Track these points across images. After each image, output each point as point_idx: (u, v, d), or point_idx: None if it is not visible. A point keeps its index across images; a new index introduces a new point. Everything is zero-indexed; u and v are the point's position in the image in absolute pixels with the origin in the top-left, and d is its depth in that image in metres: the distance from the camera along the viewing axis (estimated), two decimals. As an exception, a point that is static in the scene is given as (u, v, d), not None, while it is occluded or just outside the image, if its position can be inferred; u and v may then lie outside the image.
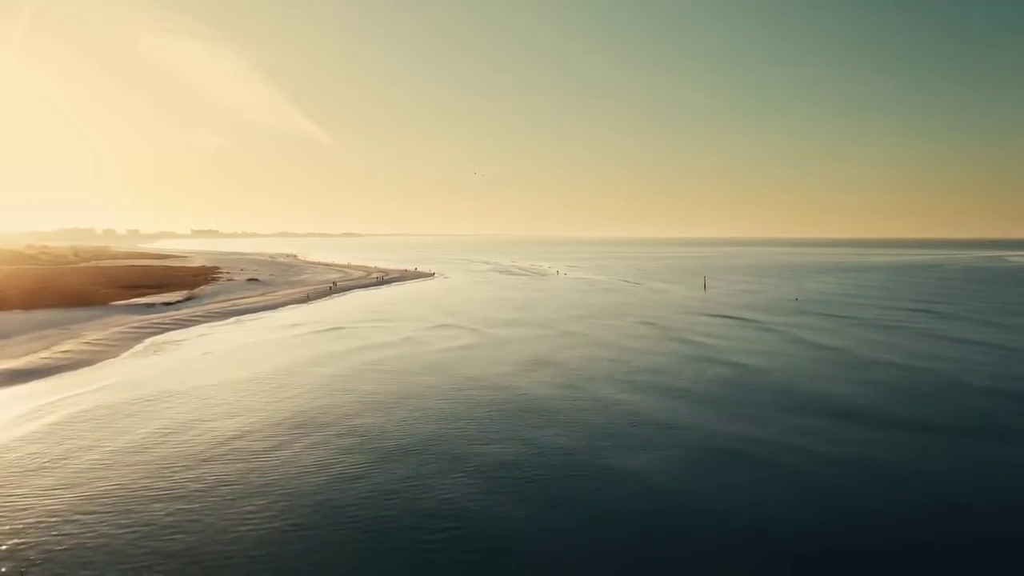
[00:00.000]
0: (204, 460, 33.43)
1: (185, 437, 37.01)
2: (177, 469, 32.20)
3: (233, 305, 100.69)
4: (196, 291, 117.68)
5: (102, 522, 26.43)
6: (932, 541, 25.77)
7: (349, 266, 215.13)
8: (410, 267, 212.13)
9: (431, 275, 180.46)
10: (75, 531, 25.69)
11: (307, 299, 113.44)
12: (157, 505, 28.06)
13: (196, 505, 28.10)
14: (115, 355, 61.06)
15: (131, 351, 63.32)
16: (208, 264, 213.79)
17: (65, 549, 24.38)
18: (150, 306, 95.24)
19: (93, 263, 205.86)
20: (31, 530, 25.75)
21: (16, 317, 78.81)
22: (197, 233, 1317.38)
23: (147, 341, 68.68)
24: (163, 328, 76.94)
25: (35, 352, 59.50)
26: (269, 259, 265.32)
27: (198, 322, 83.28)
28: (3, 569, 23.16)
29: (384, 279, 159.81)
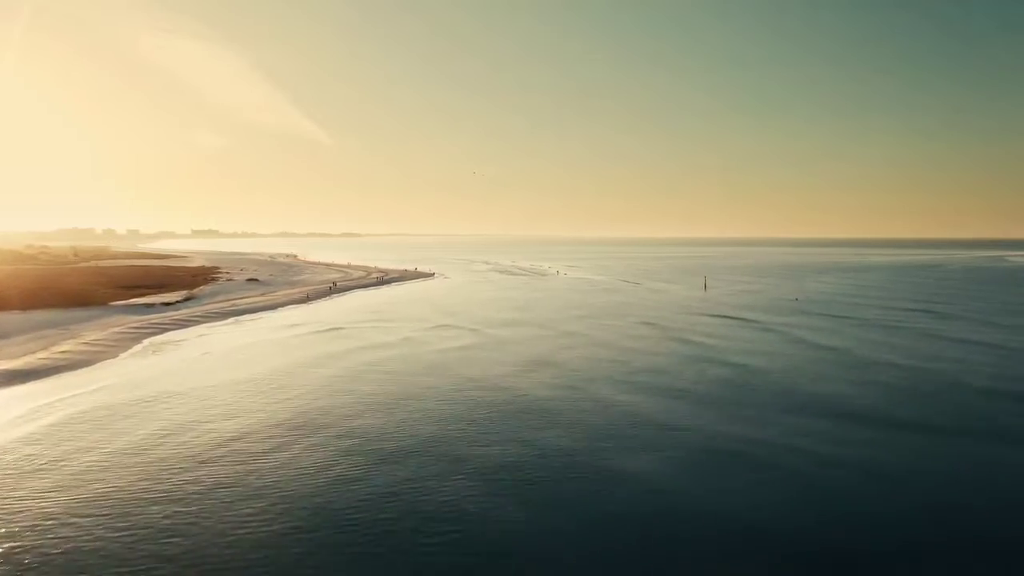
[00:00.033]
0: (202, 462, 33.25)
1: (183, 439, 36.84)
2: (175, 471, 32.03)
3: (232, 305, 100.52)
4: (196, 291, 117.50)
5: (99, 525, 26.26)
6: (933, 542, 25.64)
7: (349, 266, 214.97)
8: (410, 267, 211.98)
9: (431, 275, 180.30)
10: (72, 534, 25.52)
11: (307, 299, 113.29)
12: (155, 508, 27.89)
13: (194, 508, 27.93)
14: (114, 356, 60.88)
15: (130, 351, 63.15)
16: (208, 264, 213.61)
17: (61, 552, 24.20)
18: (149, 306, 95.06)
19: (93, 263, 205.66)
20: (27, 533, 25.57)
21: (15, 317, 78.64)
22: (197, 233, 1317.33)
23: (146, 341, 68.52)
24: (162, 328, 76.77)
25: (33, 353, 59.33)
26: (269, 259, 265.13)
27: (197, 322, 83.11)
28: (-1, 572, 23.00)
29: (384, 279, 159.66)
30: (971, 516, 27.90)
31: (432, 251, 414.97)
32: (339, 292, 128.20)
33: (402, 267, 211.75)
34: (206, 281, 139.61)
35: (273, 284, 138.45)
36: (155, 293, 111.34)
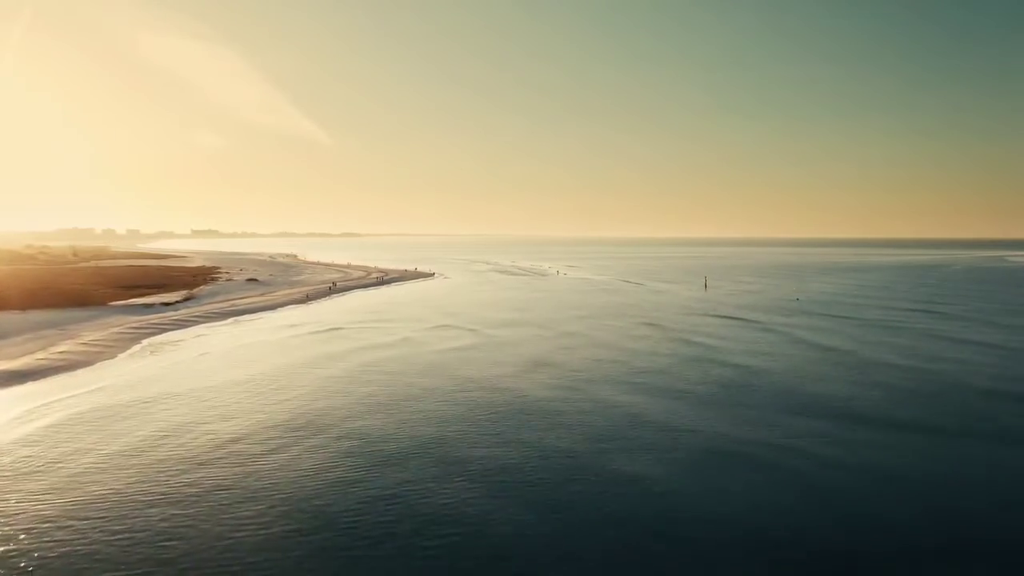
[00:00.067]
0: (200, 464, 32.95)
1: (181, 440, 36.53)
2: (173, 473, 31.73)
3: (232, 305, 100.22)
4: (195, 291, 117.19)
5: (95, 528, 25.96)
6: (934, 544, 25.42)
7: (349, 266, 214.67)
8: (410, 267, 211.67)
9: (431, 275, 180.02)
10: (68, 537, 25.22)
11: (306, 299, 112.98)
12: (152, 510, 27.58)
13: (192, 510, 27.62)
14: (112, 356, 60.58)
15: (128, 352, 62.85)
16: (207, 264, 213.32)
17: (57, 556, 23.90)
18: (148, 306, 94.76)
19: (92, 263, 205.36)
20: (23, 536, 25.27)
21: (13, 318, 78.32)
22: (197, 233, 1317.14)
23: (145, 342, 68.21)
24: (161, 329, 76.46)
25: (31, 353, 59.02)
26: (269, 259, 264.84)
27: (196, 323, 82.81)
28: (-7, 577, 22.70)
29: (384, 279, 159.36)
30: (973, 517, 27.70)
31: (432, 251, 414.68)
32: (339, 292, 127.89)
33: (402, 267, 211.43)
34: (206, 281, 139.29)
35: (273, 284, 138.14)
36: (154, 293, 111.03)
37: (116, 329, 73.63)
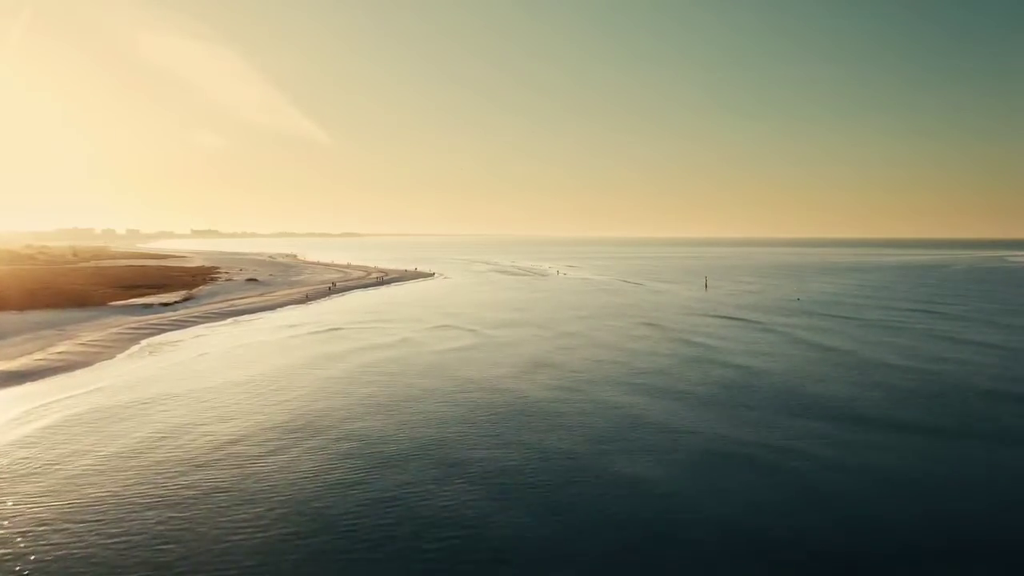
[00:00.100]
0: (198, 466, 32.72)
1: (179, 442, 36.30)
2: (170, 475, 31.50)
3: (231, 306, 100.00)
4: (194, 291, 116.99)
5: (92, 531, 25.73)
6: (935, 545, 25.27)
7: (348, 266, 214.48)
8: (410, 267, 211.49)
9: (431, 275, 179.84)
10: (64, 540, 24.99)
11: (306, 299, 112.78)
12: (149, 513, 27.35)
13: (189, 513, 27.40)
14: (111, 357, 60.36)
15: (127, 352, 62.62)
16: (207, 264, 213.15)
17: (53, 559, 23.67)
18: (147, 307, 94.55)
19: (92, 263, 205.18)
20: (18, 539, 25.03)
21: (12, 318, 78.10)
22: (197, 233, 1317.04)
23: (144, 342, 67.99)
24: (160, 329, 76.25)
25: (30, 354, 58.80)
26: (268, 259, 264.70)
27: (196, 323, 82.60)
28: (-12, 580, 22.47)
29: (384, 279, 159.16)
30: (973, 518, 27.56)
31: (432, 251, 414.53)
32: (338, 292, 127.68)
33: (402, 267, 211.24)
34: (205, 281, 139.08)
35: (272, 284, 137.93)
36: (154, 293, 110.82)
37: (115, 329, 73.41)
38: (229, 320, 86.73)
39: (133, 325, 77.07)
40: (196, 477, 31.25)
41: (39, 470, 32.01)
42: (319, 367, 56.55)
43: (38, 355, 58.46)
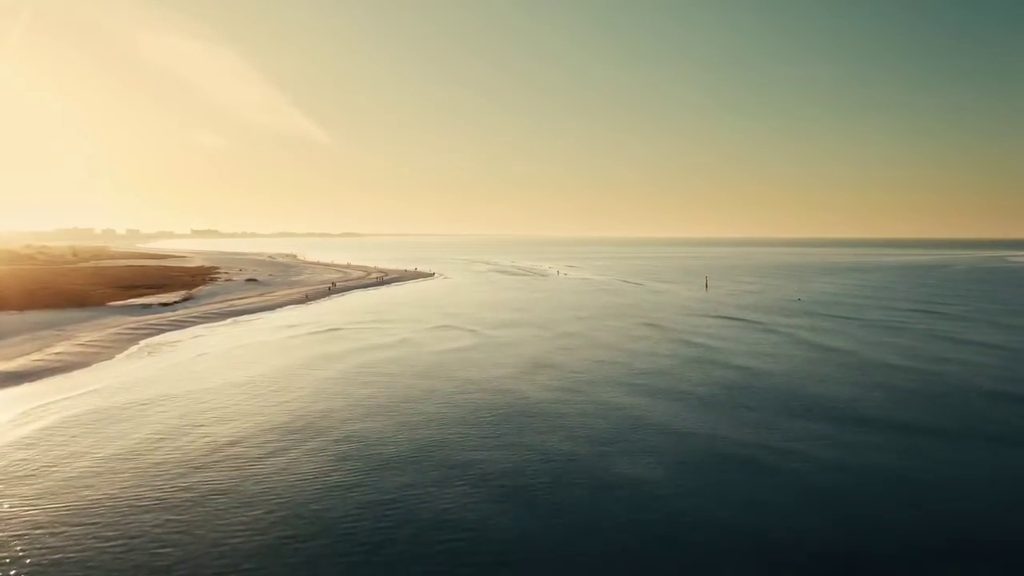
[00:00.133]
0: (196, 468, 32.47)
1: (177, 443, 36.04)
2: (168, 477, 31.25)
3: (231, 306, 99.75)
4: (194, 291, 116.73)
5: (88, 534, 25.48)
6: (938, 546, 25.12)
7: (348, 266, 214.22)
8: (410, 267, 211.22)
9: (431, 275, 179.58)
10: (60, 544, 24.73)
11: (306, 300, 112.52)
12: (147, 515, 27.11)
13: (187, 516, 27.15)
14: (109, 357, 60.11)
15: (126, 353, 62.36)
16: (207, 264, 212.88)
17: (50, 563, 23.42)
18: (147, 307, 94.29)
19: (91, 263, 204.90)
20: (13, 542, 24.78)
21: (10, 318, 77.85)
22: (197, 233, 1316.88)
23: (142, 343, 67.73)
24: (159, 329, 75.98)
25: (28, 354, 58.54)
26: (268, 259, 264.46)
27: (195, 323, 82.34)
28: (-17, 585, 22.23)
29: (384, 279, 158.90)
30: (976, 520, 27.42)
31: (432, 251, 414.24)
32: (338, 292, 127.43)
33: (402, 267, 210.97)
34: (205, 281, 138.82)
35: (272, 284, 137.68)
36: (153, 293, 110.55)
37: (114, 330, 73.16)
38: (228, 320, 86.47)
39: (132, 325, 76.81)
40: (194, 479, 31.00)
41: (36, 472, 31.76)
42: (319, 368, 56.29)
43: (36, 356, 58.20)
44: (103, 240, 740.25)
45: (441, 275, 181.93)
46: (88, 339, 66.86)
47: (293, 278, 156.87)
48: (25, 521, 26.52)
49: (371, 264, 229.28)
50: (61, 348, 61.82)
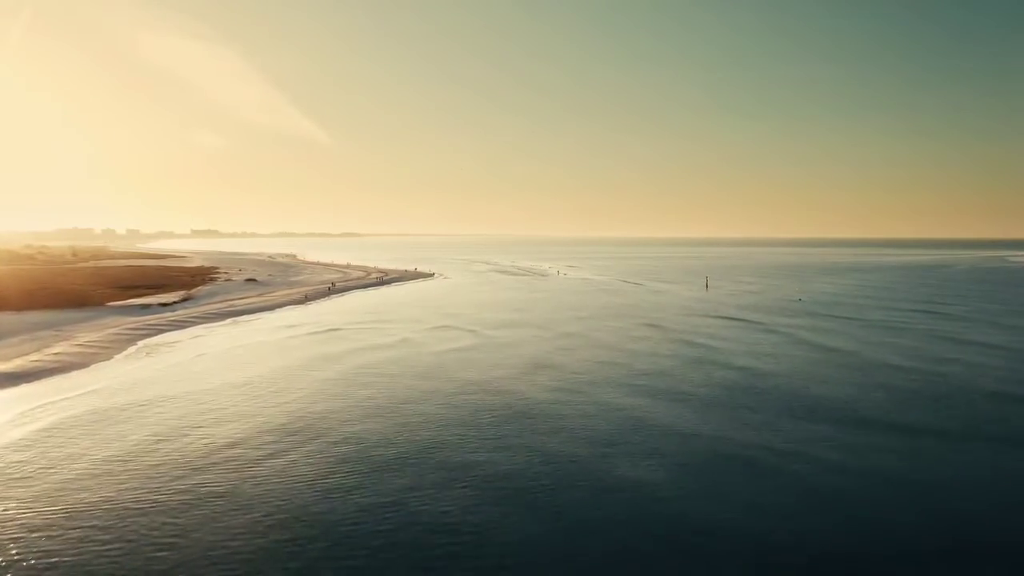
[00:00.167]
0: (194, 470, 32.21)
1: (175, 445, 35.78)
2: (166, 479, 30.99)
3: (230, 306, 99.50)
4: (193, 292, 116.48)
5: (85, 537, 25.22)
6: (940, 548, 24.94)
7: (348, 266, 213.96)
8: (410, 267, 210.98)
9: (431, 275, 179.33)
10: (56, 547, 24.48)
11: (305, 300, 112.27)
12: (143, 519, 26.85)
13: (185, 519, 26.89)
14: (108, 358, 59.85)
15: (124, 353, 62.10)
16: (206, 264, 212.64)
17: (46, 567, 23.16)
18: (146, 307, 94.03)
19: (91, 263, 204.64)
20: (8, 545, 24.52)
21: (9, 318, 77.59)
22: (197, 233, 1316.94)
23: (141, 343, 67.47)
24: (158, 330, 75.72)
25: (26, 355, 58.28)
26: (268, 259, 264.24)
27: (194, 323, 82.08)
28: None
29: (383, 279, 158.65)
30: (978, 521, 27.26)
31: (432, 251, 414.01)
32: (338, 293, 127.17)
33: (401, 267, 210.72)
34: (204, 281, 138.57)
35: (271, 284, 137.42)
36: (153, 294, 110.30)
37: (112, 330, 72.90)
38: (228, 320, 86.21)
39: (131, 326, 76.55)
40: (192, 481, 30.74)
41: (33, 474, 31.50)
42: (318, 368, 56.04)
43: (34, 356, 57.95)
44: (103, 240, 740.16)
45: (441, 275, 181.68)
46: (87, 339, 66.61)
47: (293, 278, 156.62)
48: (21, 524, 26.26)
49: (371, 264, 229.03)
50: (60, 348, 61.57)
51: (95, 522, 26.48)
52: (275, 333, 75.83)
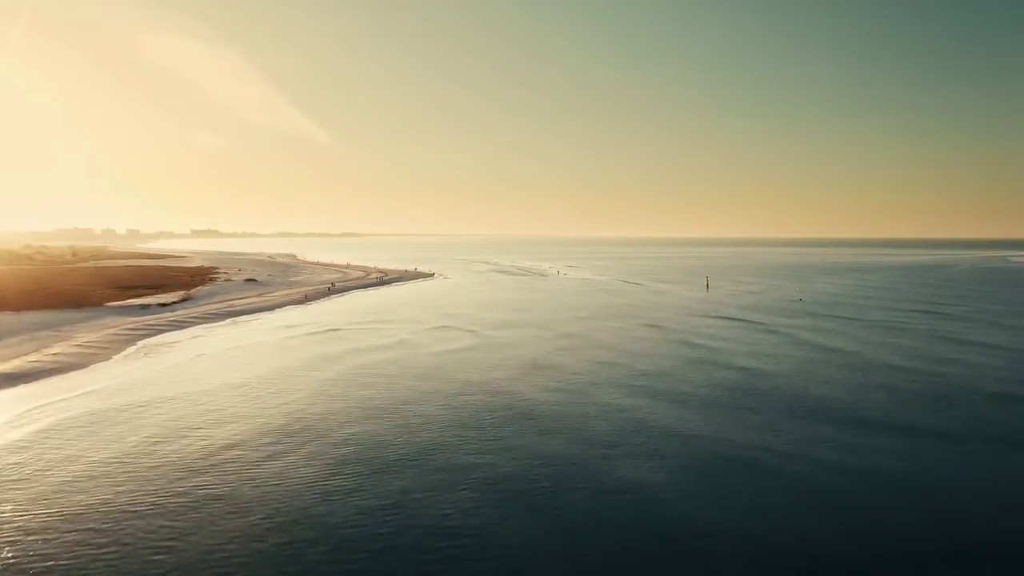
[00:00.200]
0: (193, 471, 31.99)
1: (173, 447, 35.56)
2: (164, 482, 30.77)
3: (230, 306, 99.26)
4: (193, 292, 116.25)
5: (82, 541, 24.99)
6: (942, 550, 24.76)
7: (348, 266, 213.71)
8: (409, 267, 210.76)
9: (431, 276, 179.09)
10: (53, 550, 24.25)
11: (305, 300, 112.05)
12: (141, 522, 26.62)
13: (183, 522, 26.67)
14: (106, 358, 59.62)
15: (123, 354, 61.87)
16: (206, 264, 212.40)
17: (40, 571, 22.93)
18: (145, 307, 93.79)
19: (90, 263, 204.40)
20: (4, 548, 24.29)
21: (7, 319, 77.36)
22: (197, 233, 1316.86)
23: (140, 344, 67.24)
24: (157, 330, 75.50)
25: (24, 355, 58.06)
26: (268, 259, 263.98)
27: (193, 324, 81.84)
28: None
29: (383, 280, 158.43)
30: (980, 523, 27.11)
31: (432, 251, 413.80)
32: (337, 293, 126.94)
33: (401, 267, 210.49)
34: (204, 281, 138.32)
35: (271, 284, 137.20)
36: (152, 294, 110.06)
37: (111, 330, 72.68)
38: (227, 321, 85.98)
39: (130, 326, 76.33)
40: (191, 484, 30.52)
41: (29, 476, 31.28)
42: (317, 369, 55.82)
43: (32, 356, 57.73)
44: (103, 240, 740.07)
45: (441, 275, 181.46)
46: (85, 340, 66.38)
47: (292, 278, 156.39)
48: (18, 526, 26.04)
49: (371, 264, 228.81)
50: (58, 349, 61.35)
51: (92, 525, 26.26)
52: (274, 333, 75.61)
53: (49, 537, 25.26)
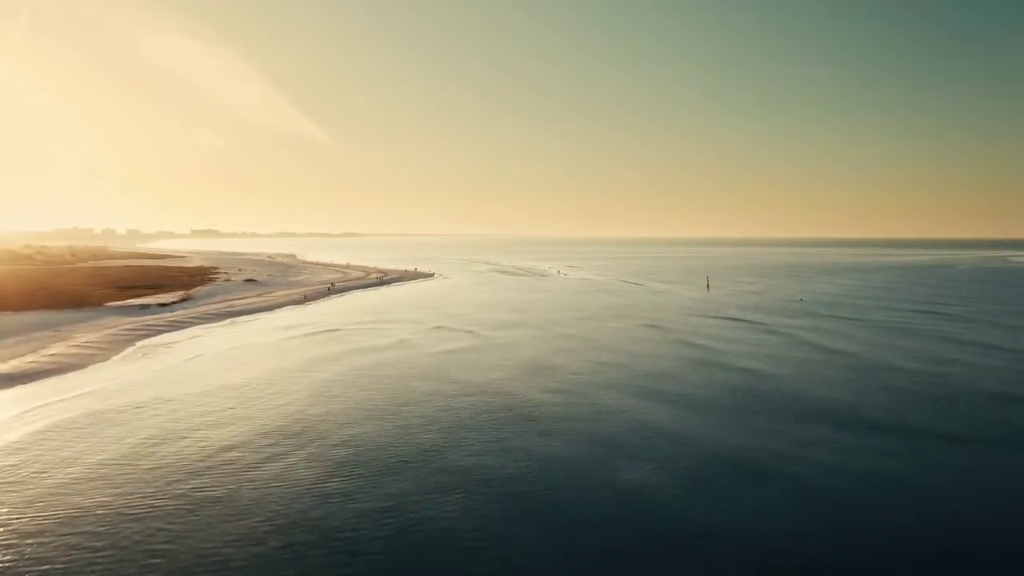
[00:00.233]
0: (191, 474, 31.83)
1: (171, 449, 35.40)
2: (162, 484, 30.61)
3: (229, 306, 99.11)
4: (192, 292, 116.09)
5: (78, 544, 24.83)
6: (943, 551, 24.63)
7: (348, 266, 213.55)
8: (409, 267, 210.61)
9: (431, 276, 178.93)
10: (49, 554, 24.09)
11: (304, 300, 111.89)
12: (138, 524, 26.47)
13: (180, 524, 26.51)
14: (105, 359, 59.46)
15: (122, 354, 61.71)
16: (206, 264, 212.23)
17: (38, 574, 22.76)
18: (145, 307, 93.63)
19: (90, 263, 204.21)
20: (1, 551, 24.12)
21: (6, 319, 77.19)
22: (197, 233, 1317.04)
23: (139, 344, 67.07)
24: (157, 330, 75.33)
25: (22, 356, 57.89)
26: (268, 259, 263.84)
27: (192, 324, 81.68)
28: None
29: (383, 280, 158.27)
30: (981, 524, 27.00)
31: (432, 251, 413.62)
32: (337, 293, 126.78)
33: (401, 267, 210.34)
34: (203, 282, 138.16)
35: (271, 285, 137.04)
36: (151, 294, 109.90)
37: (110, 331, 72.51)
38: (227, 321, 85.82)
39: (129, 326, 76.17)
40: (189, 486, 30.37)
41: (26, 478, 31.11)
42: (316, 370, 55.66)
43: (31, 357, 57.57)
44: (103, 240, 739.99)
45: (441, 275, 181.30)
46: (84, 340, 66.22)
47: (292, 278, 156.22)
48: (14, 529, 25.88)
49: (370, 264, 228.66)
50: (57, 349, 61.19)
51: (89, 527, 26.10)
52: (274, 334, 75.45)
53: (46, 540, 25.10)
